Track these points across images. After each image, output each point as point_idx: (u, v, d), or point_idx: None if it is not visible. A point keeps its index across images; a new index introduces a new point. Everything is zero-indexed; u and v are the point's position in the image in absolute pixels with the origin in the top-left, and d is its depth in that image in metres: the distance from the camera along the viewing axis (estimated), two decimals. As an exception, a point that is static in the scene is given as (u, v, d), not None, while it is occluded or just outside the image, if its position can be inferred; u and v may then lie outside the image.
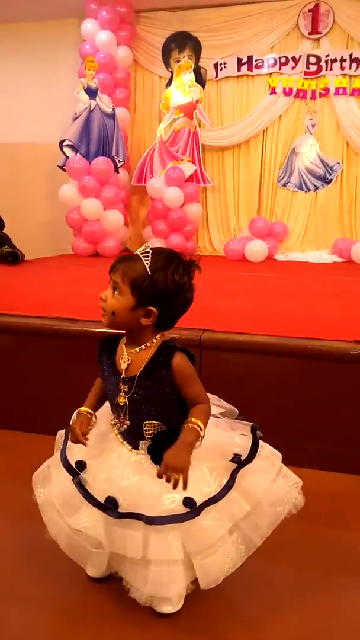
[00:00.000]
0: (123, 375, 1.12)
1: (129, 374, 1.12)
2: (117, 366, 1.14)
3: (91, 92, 4.99)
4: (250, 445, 1.13)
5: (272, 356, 1.91)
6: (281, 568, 1.35)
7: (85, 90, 4.98)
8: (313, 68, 5.39)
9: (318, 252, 5.44)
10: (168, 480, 1.00)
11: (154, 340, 1.12)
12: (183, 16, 5.56)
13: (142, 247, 1.09)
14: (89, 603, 1.21)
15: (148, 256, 1.06)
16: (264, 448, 1.16)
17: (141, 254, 1.07)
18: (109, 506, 1.09)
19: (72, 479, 1.14)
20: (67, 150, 5.01)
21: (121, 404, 1.13)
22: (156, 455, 1.10)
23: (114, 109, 5.11)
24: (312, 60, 5.38)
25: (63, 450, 1.19)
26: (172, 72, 5.63)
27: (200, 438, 1.06)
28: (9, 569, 1.34)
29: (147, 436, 1.13)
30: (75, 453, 1.18)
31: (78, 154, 4.96)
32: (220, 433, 1.15)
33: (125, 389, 1.12)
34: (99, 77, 5.09)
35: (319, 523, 1.52)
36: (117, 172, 5.13)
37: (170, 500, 1.07)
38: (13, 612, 1.20)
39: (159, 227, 5.25)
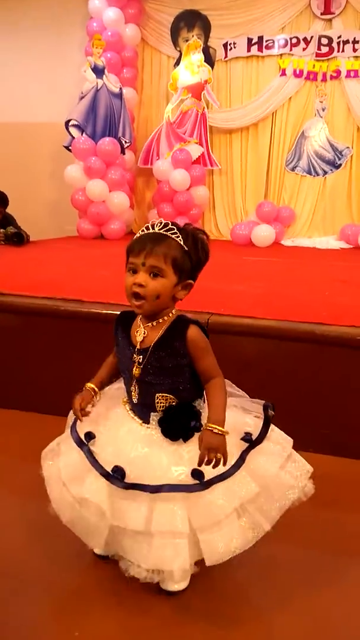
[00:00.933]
0: (138, 347, 1.13)
1: (143, 346, 1.13)
2: (132, 339, 1.15)
3: (98, 71, 4.91)
4: (261, 426, 1.13)
5: (280, 340, 1.89)
6: (289, 551, 1.36)
7: (92, 69, 4.89)
8: (324, 49, 5.27)
9: (325, 238, 5.37)
10: (209, 463, 1.03)
11: (171, 314, 1.14)
12: (193, -6, 5.44)
13: (158, 224, 1.09)
14: (93, 583, 1.22)
15: (176, 233, 1.09)
16: (275, 432, 1.16)
17: (167, 232, 1.09)
18: (116, 476, 1.08)
19: (82, 447, 1.14)
20: (73, 130, 4.95)
21: (135, 375, 1.14)
22: (166, 428, 1.11)
23: (121, 88, 5.03)
24: (324, 41, 5.26)
25: (73, 425, 1.20)
26: (180, 52, 5.53)
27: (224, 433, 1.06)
28: (15, 547, 1.34)
29: (158, 409, 1.14)
30: (85, 427, 1.18)
31: (84, 134, 4.90)
32: (233, 414, 1.15)
33: (139, 360, 1.13)
34: (106, 55, 5.01)
35: (326, 506, 1.51)
36: (123, 153, 5.07)
37: (178, 473, 1.08)
38: (18, 591, 1.20)
39: (165, 209, 5.19)
